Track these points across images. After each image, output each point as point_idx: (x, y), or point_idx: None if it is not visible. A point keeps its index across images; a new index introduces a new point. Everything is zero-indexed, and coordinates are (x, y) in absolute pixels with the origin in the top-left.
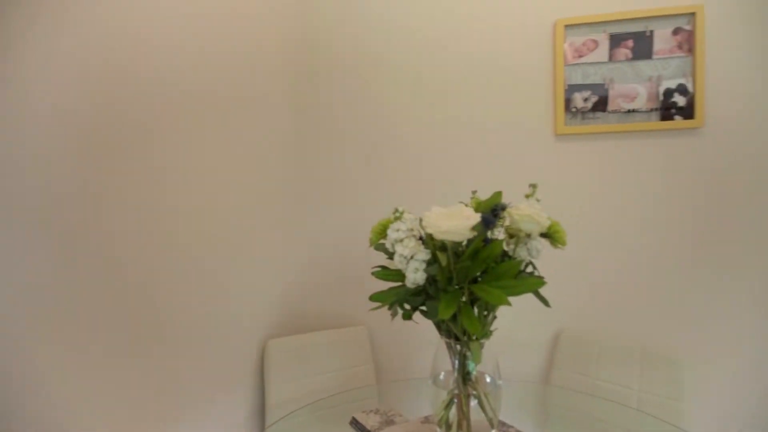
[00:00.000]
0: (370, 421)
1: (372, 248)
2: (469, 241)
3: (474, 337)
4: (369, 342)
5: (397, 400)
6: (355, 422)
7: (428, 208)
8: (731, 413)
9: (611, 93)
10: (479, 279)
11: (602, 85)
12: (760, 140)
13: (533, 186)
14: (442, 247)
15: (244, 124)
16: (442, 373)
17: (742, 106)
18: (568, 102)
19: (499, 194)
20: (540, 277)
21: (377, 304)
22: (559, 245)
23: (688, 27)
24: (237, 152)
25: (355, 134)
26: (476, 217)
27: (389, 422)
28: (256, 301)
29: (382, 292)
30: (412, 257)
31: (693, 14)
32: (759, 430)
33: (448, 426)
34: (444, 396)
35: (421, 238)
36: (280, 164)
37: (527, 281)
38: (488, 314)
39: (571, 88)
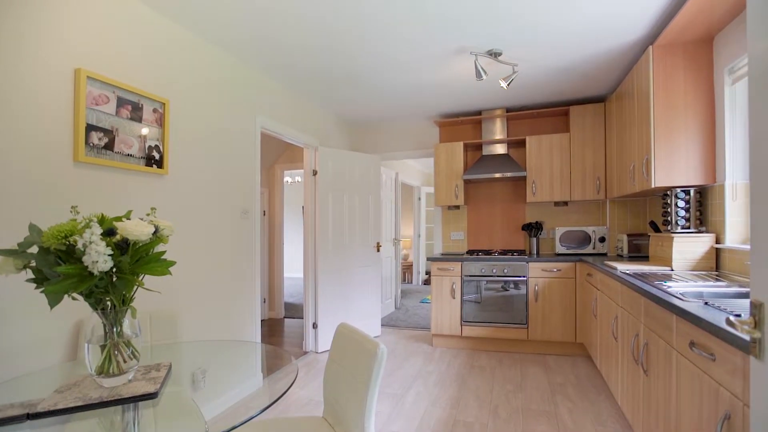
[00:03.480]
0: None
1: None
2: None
3: (131, 303)
4: None
5: None
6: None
7: None
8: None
9: (117, 139)
10: (137, 263)
11: (111, 131)
12: (200, 185)
13: (153, 209)
14: (122, 244)
15: None
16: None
17: (190, 165)
18: (87, 137)
19: (111, 220)
20: (173, 261)
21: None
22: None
23: (161, 110)
24: None
25: None
26: (151, 226)
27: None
28: None
29: (58, 284)
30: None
31: (164, 103)
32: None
33: (107, 368)
34: (99, 350)
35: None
36: None
37: (168, 262)
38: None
39: (90, 127)
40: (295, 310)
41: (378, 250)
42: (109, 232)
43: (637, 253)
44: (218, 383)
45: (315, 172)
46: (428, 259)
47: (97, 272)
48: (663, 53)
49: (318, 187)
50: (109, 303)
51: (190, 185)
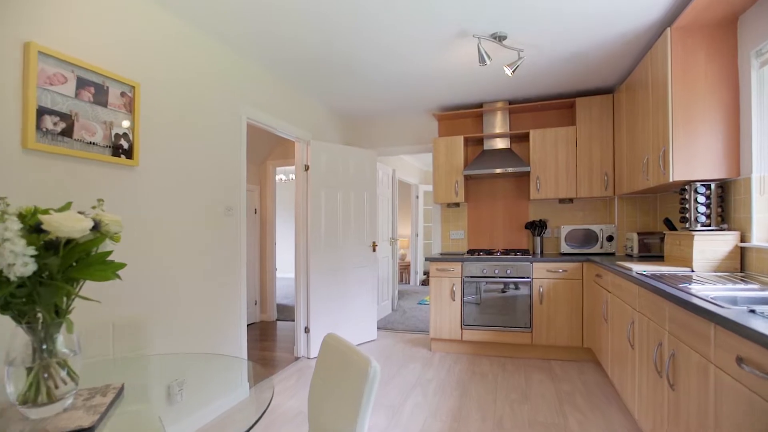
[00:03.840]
0: None
1: None
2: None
3: (65, 315)
4: None
5: None
6: None
7: None
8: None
9: (77, 124)
10: (73, 266)
11: (69, 115)
12: (176, 178)
13: (100, 200)
14: (51, 243)
15: None
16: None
17: (165, 156)
18: (39, 122)
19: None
20: (122, 263)
21: None
22: (114, 241)
23: (130, 94)
24: None
25: None
26: (89, 220)
27: None
28: None
29: None
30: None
31: (134, 87)
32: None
33: (34, 395)
34: (24, 373)
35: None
36: None
37: (116, 264)
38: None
39: (42, 110)
40: (288, 313)
41: (374, 250)
42: (37, 228)
43: (648, 253)
44: (191, 400)
45: (307, 167)
46: (427, 259)
47: (15, 277)
48: (682, 36)
49: (310, 183)
50: (40, 315)
51: (165, 178)
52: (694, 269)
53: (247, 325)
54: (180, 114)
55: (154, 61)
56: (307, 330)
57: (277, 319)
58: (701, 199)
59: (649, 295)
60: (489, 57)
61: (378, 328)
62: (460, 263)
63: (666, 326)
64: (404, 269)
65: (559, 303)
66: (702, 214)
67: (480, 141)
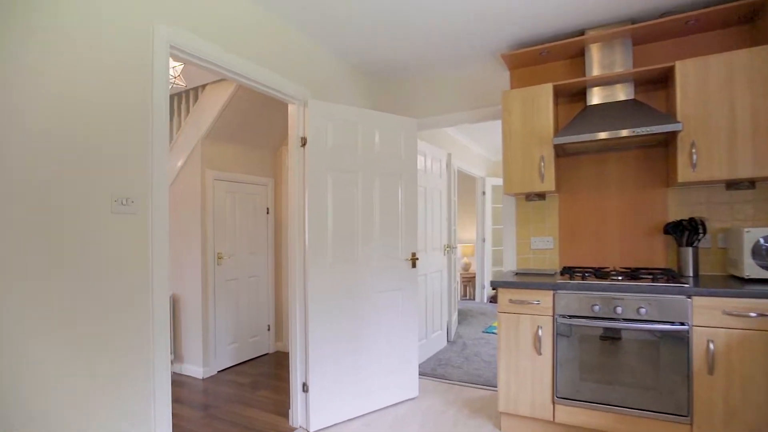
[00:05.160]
0: None
1: None
2: None
3: None
4: None
5: None
6: None
7: None
8: None
9: None
10: None
11: None
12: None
13: None
14: None
15: None
16: None
17: None
18: None
19: None
20: None
21: None
22: None
23: None
24: None
25: None
26: None
27: None
28: None
29: None
30: None
31: None
32: None
33: None
34: None
35: None
36: None
37: None
38: None
39: None
40: None
41: (413, 265)
42: None
43: None
44: None
45: (304, 141)
46: (494, 284)
47: None
48: None
49: (308, 165)
50: None
51: None
52: None
53: (256, 358)
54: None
55: None
56: (305, 388)
57: None
58: None
59: None
60: None
61: (423, 374)
62: (551, 292)
63: None
64: (468, 281)
65: (749, 375)
66: None
67: (580, 93)
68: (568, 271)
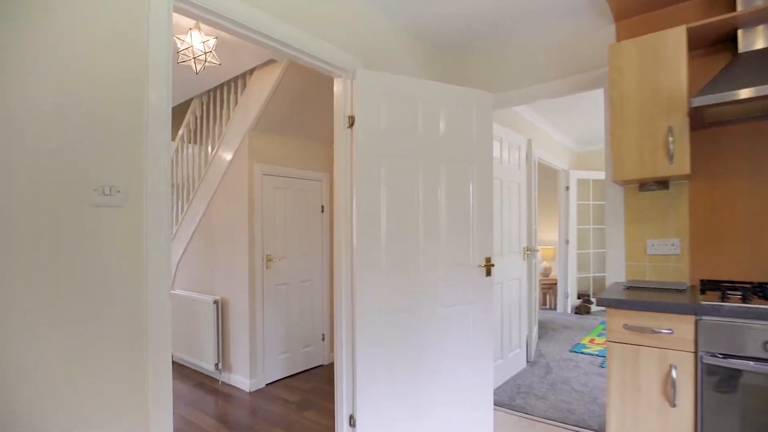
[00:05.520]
0: None
1: None
2: None
3: None
4: None
5: None
6: None
7: None
8: None
9: None
10: None
11: None
12: None
13: None
14: None
15: None
16: None
17: None
18: None
19: None
20: None
21: None
22: None
23: None
24: None
25: None
26: None
27: None
28: None
29: None
30: None
31: None
32: None
33: None
34: None
35: None
36: None
37: None
38: None
39: None
40: None
41: (488, 273)
42: None
43: None
44: None
45: (351, 121)
46: (600, 301)
47: None
48: None
49: (357, 149)
50: None
51: None
52: None
53: (309, 370)
54: None
55: None
56: (352, 422)
57: None
58: None
59: None
60: None
61: (498, 404)
62: (692, 317)
63: None
64: (548, 289)
65: None
66: None
67: (723, 41)
68: (712, 286)
